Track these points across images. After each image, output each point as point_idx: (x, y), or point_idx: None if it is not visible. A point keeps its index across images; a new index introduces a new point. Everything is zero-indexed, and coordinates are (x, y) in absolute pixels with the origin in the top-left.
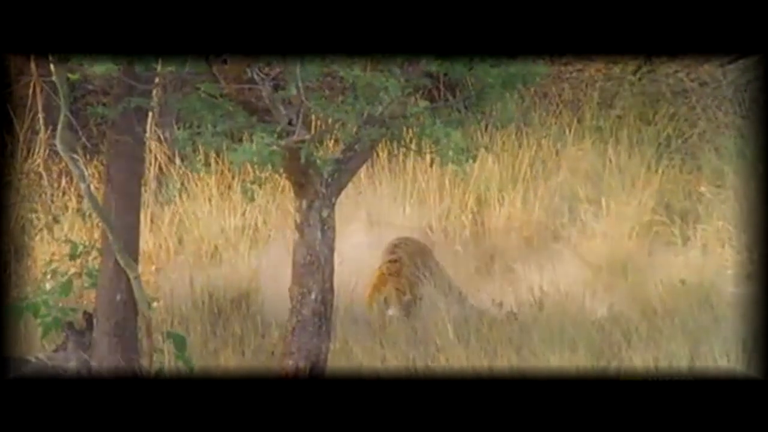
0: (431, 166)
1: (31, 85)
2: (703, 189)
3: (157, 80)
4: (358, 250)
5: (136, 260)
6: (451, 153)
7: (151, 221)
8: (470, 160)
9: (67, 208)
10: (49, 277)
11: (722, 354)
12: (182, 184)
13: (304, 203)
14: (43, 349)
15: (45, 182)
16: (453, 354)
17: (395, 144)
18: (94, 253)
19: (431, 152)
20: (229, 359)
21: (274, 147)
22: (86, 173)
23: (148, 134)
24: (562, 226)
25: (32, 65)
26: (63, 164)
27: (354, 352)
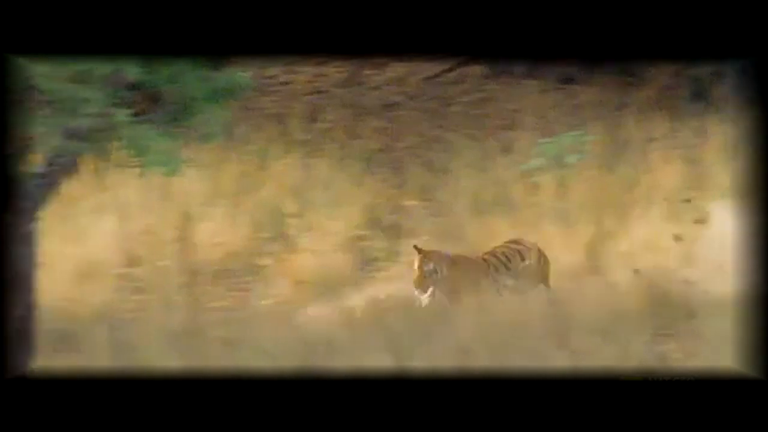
0: (137, 179)
1: None
2: (409, 203)
3: None
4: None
5: None
6: (158, 158)
7: None
8: (179, 167)
9: None
10: None
11: None
12: None
13: (6, 218)
14: None
15: None
16: None
17: (100, 158)
18: None
19: (137, 165)
20: None
21: None
22: None
23: None
24: (267, 241)
25: None
26: None
27: None
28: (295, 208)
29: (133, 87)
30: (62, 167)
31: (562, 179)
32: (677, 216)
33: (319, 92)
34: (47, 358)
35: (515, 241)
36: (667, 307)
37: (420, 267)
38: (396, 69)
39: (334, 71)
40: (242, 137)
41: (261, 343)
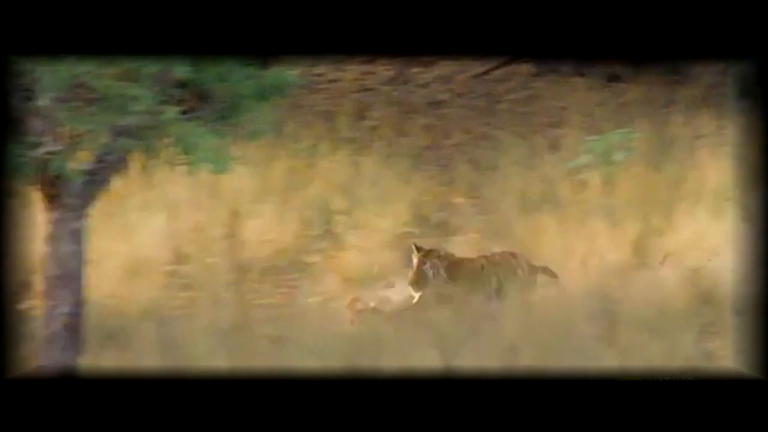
0: (185, 176)
1: None
2: (457, 200)
3: None
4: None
5: None
6: (207, 155)
7: None
8: (227, 165)
9: None
10: None
11: None
12: None
13: (54, 215)
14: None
15: None
16: None
17: (148, 155)
18: None
19: (185, 162)
20: None
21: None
22: None
23: None
24: (315, 239)
25: None
26: None
27: None
28: (343, 205)
29: (182, 85)
30: (111, 165)
31: (609, 176)
32: (724, 213)
33: (366, 90)
34: (95, 355)
35: (512, 254)
36: (714, 305)
37: (419, 266)
38: (443, 67)
39: (382, 69)
40: (291, 135)
41: (308, 340)
